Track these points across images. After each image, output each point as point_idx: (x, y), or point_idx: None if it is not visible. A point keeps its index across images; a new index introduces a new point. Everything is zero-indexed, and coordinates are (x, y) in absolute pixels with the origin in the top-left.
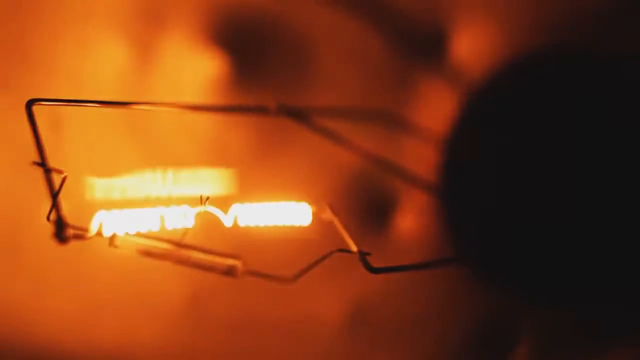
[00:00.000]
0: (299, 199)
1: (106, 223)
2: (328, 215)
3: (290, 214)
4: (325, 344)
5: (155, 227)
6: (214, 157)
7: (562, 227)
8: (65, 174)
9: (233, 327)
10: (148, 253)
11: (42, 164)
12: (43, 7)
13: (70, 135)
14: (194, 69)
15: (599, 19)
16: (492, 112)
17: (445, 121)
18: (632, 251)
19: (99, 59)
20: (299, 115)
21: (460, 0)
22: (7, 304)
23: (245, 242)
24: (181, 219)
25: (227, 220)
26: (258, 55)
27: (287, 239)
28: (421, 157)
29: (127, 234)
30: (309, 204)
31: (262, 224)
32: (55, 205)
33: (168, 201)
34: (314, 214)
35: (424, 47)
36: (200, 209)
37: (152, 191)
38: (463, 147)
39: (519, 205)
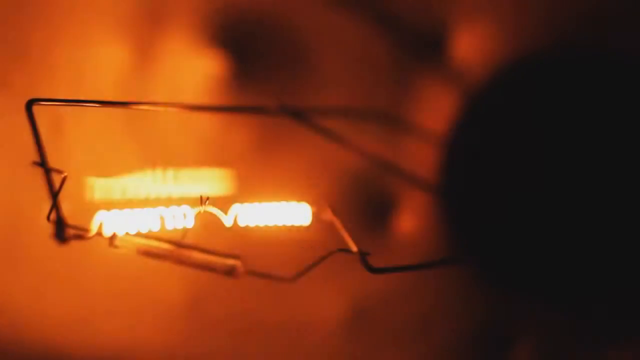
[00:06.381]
0: (299, 199)
1: (106, 223)
2: (328, 215)
3: (290, 214)
4: (325, 344)
5: (155, 227)
6: (214, 157)
7: (562, 226)
8: (65, 174)
9: (233, 327)
10: (148, 253)
11: (42, 164)
12: (43, 7)
13: (70, 135)
14: (194, 69)
15: (599, 18)
16: (492, 112)
17: (445, 121)
18: (631, 251)
19: (99, 59)
20: (299, 115)
21: (460, 0)
22: (7, 304)
23: (245, 242)
24: (181, 219)
25: (227, 220)
26: (258, 55)
27: (287, 239)
28: (421, 157)
29: (127, 234)
30: (309, 204)
31: (262, 224)
32: (55, 205)
33: (168, 201)
34: (314, 214)
35: (424, 47)
36: (200, 209)
37: (152, 191)
38: (463, 147)
39: (519, 205)
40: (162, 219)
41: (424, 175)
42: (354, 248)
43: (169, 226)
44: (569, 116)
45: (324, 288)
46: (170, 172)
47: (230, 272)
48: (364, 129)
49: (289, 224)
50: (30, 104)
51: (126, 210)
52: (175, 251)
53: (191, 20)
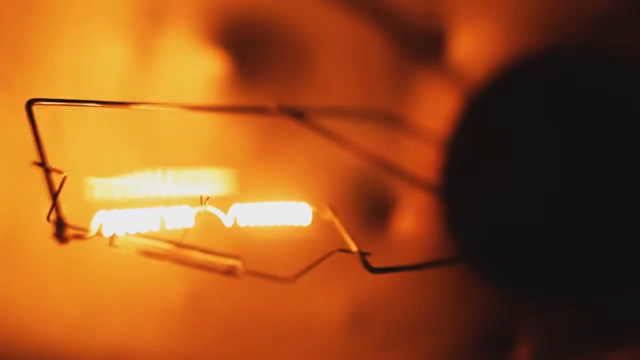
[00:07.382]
0: (299, 199)
1: (106, 223)
2: (328, 215)
3: (290, 214)
4: (326, 343)
5: (155, 227)
6: (214, 157)
7: (562, 226)
8: (65, 174)
9: (233, 327)
10: (148, 253)
11: (42, 164)
12: (43, 7)
13: (70, 135)
14: (194, 69)
15: (599, 18)
16: (492, 112)
17: (445, 121)
18: (632, 251)
19: (99, 59)
20: (299, 115)
21: (460, 0)
22: (6, 304)
23: (245, 242)
24: (181, 219)
25: (227, 220)
26: (258, 55)
27: (287, 239)
28: (421, 157)
29: (127, 234)
30: (309, 204)
31: (262, 224)
32: (55, 205)
33: (168, 201)
34: (314, 214)
35: (423, 47)
36: (200, 209)
37: (152, 191)
38: (463, 147)
39: (519, 205)
40: (162, 219)
41: (424, 175)
42: (354, 248)
43: (169, 226)
44: (569, 116)
45: (324, 288)
46: (170, 172)
47: (230, 272)
48: (364, 129)
49: (289, 224)
50: (30, 104)
51: (126, 210)
52: (175, 251)
53: (191, 20)
